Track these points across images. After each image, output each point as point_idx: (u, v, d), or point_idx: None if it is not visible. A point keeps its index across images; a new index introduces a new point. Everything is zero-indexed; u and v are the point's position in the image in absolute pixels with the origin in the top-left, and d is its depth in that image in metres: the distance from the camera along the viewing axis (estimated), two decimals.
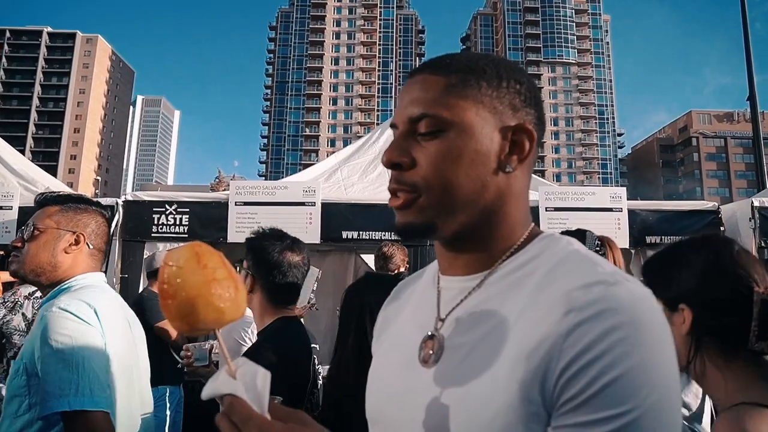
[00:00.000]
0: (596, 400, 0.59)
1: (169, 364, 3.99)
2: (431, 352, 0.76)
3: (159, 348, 3.81)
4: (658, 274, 1.18)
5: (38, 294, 3.31)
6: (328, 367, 5.16)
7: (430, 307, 0.81)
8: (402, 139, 0.76)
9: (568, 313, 0.63)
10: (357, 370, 1.67)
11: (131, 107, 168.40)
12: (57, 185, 6.36)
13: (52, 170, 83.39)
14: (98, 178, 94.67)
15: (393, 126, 0.79)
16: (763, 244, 4.69)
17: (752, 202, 4.88)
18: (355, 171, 5.85)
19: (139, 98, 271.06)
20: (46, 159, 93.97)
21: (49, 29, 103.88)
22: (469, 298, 0.76)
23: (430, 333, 0.78)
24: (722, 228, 5.07)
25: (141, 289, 4.68)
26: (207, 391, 0.66)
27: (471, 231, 0.76)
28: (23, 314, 3.23)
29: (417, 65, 0.83)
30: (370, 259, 6.97)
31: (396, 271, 3.83)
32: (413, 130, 0.75)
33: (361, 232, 5.07)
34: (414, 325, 0.82)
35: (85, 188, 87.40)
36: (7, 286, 3.89)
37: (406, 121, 0.76)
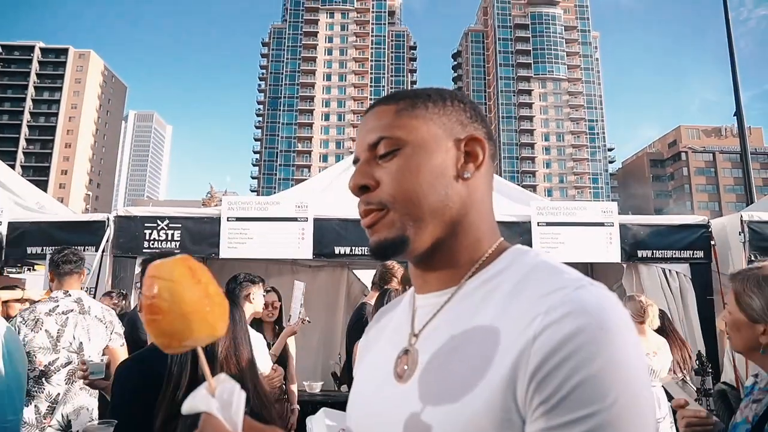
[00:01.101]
0: (567, 402, 0.59)
1: None
2: (406, 366, 0.77)
3: None
4: None
5: (60, 309, 3.18)
6: (307, 382, 5.15)
7: (406, 326, 0.84)
8: (364, 165, 0.81)
9: (534, 318, 0.65)
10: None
11: (123, 122, 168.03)
12: (48, 200, 6.32)
13: (43, 185, 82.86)
14: (89, 193, 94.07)
15: (355, 161, 0.83)
16: (753, 258, 4.71)
17: (741, 216, 4.91)
18: (348, 186, 5.85)
19: (131, 113, 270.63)
20: (37, 174, 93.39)
21: (42, 44, 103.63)
22: (441, 312, 0.78)
23: (404, 348, 0.80)
24: (713, 242, 5.11)
25: (133, 305, 4.64)
26: (186, 407, 0.67)
27: (440, 244, 0.79)
28: (46, 331, 3.08)
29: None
30: (362, 275, 6.98)
31: (388, 286, 3.83)
32: (373, 155, 0.80)
33: (353, 248, 5.04)
34: (391, 344, 0.84)
35: (76, 203, 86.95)
36: None
37: (366, 149, 0.81)
